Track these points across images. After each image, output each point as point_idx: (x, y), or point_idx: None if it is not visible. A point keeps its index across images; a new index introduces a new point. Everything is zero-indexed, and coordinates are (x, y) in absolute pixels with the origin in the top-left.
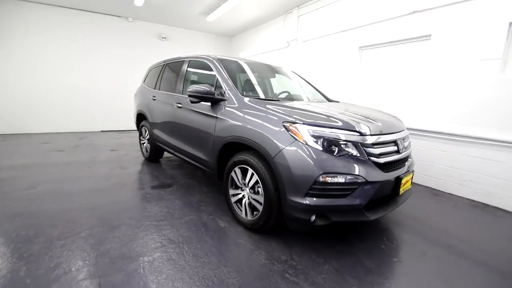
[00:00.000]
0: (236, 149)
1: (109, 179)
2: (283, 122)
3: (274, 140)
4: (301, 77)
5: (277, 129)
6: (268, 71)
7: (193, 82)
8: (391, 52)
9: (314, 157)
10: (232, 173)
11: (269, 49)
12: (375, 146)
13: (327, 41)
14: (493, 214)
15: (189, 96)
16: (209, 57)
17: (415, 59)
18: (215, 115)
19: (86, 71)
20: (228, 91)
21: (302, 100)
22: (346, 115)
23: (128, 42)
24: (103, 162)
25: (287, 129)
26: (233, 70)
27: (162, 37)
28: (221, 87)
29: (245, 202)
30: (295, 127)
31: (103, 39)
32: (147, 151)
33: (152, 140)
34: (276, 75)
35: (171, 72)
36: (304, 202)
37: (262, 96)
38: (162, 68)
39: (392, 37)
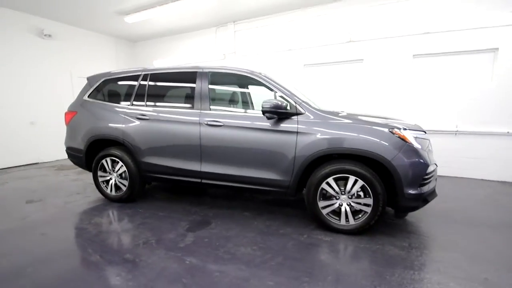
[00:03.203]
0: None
1: (117, 245)
2: (389, 129)
3: (388, 146)
4: None
5: (387, 136)
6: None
7: (217, 99)
8: (332, 69)
9: (422, 154)
10: (324, 185)
11: (200, 59)
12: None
13: (271, 57)
14: None
15: (265, 112)
16: (253, 71)
17: (352, 76)
18: (295, 131)
19: None
20: (299, 105)
21: None
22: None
23: None
24: (51, 222)
25: (396, 135)
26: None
27: (45, 35)
28: (286, 101)
29: (344, 210)
30: (403, 133)
31: None
32: (118, 189)
33: (139, 172)
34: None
35: (170, 85)
36: (418, 192)
37: None
38: (141, 79)
39: (333, 58)
